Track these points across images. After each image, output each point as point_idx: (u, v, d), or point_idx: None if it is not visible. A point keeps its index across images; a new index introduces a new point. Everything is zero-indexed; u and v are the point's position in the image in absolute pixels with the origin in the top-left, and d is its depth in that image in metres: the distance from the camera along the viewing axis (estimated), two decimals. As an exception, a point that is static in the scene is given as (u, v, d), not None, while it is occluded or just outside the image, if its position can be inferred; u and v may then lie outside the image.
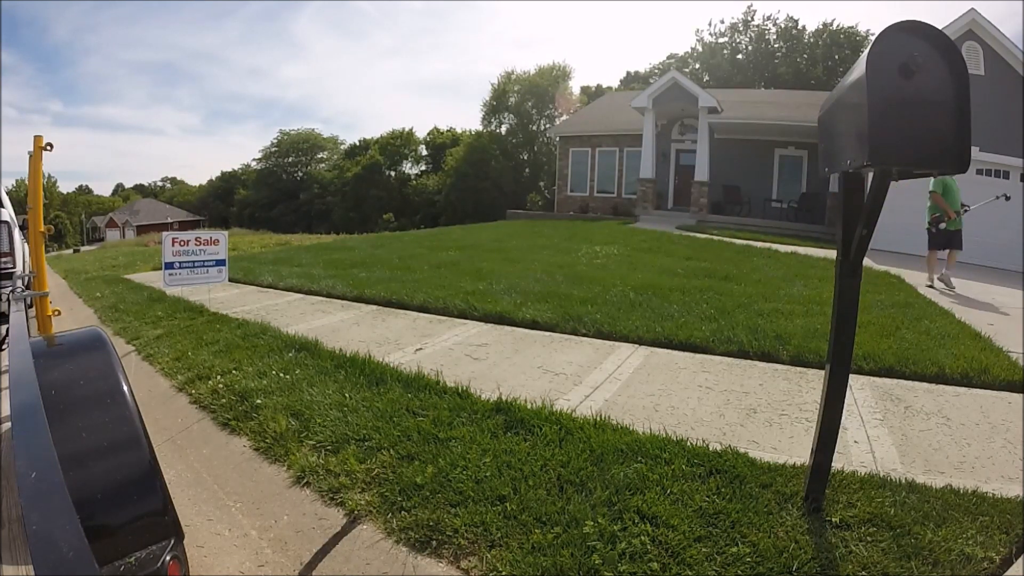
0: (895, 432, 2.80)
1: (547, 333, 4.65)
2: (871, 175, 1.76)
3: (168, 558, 1.19)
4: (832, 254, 2.83)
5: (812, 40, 36.67)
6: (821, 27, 36.44)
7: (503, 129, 37.31)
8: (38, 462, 0.82)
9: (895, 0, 23.23)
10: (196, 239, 6.01)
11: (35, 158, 3.20)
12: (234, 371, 3.68)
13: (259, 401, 3.16)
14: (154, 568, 1.17)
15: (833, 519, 1.97)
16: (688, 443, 2.50)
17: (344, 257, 9.67)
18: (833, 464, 2.08)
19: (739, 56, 38.56)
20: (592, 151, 20.20)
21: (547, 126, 35.01)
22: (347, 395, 3.13)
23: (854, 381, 3.35)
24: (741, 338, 4.20)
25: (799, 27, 37.16)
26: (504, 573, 1.80)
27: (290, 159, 49.55)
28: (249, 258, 11.38)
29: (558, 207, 21.17)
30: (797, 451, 2.54)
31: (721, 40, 39.40)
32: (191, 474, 2.69)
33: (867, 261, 2.82)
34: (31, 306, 3.53)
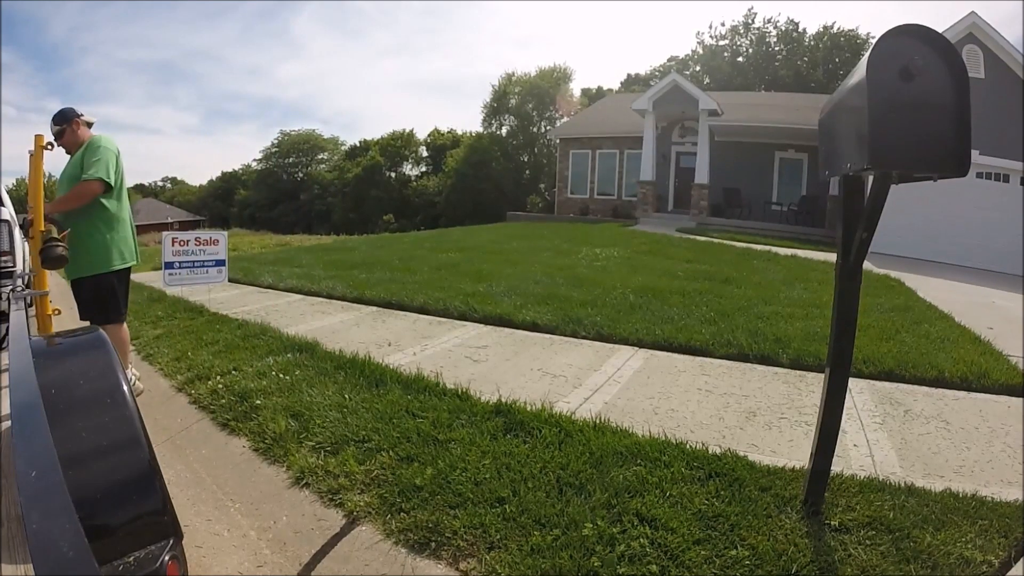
0: (894, 436, 2.80)
1: (547, 335, 4.65)
2: (871, 178, 1.77)
3: (167, 558, 1.19)
4: (832, 257, 2.83)
5: (812, 43, 36.72)
6: (821, 30, 36.51)
7: (504, 131, 37.32)
8: (38, 462, 0.82)
9: (895, 3, 23.32)
10: (196, 239, 6.00)
11: (36, 157, 3.20)
12: (234, 371, 3.67)
13: (259, 402, 3.16)
14: (153, 568, 1.16)
15: (832, 522, 1.97)
16: (687, 446, 2.49)
17: (344, 258, 9.67)
18: (832, 467, 2.08)
19: (739, 59, 38.62)
20: (592, 153, 20.21)
21: (547, 128, 35.02)
22: (347, 396, 3.13)
23: (854, 384, 3.35)
24: (741, 341, 4.20)
25: (799, 30, 37.24)
26: (503, 575, 1.80)
27: (290, 160, 49.52)
28: (249, 258, 11.37)
29: (558, 209, 21.17)
30: (796, 454, 2.54)
31: (722, 43, 39.49)
32: (191, 474, 2.68)
33: (867, 264, 2.82)
34: (31, 305, 3.53)
